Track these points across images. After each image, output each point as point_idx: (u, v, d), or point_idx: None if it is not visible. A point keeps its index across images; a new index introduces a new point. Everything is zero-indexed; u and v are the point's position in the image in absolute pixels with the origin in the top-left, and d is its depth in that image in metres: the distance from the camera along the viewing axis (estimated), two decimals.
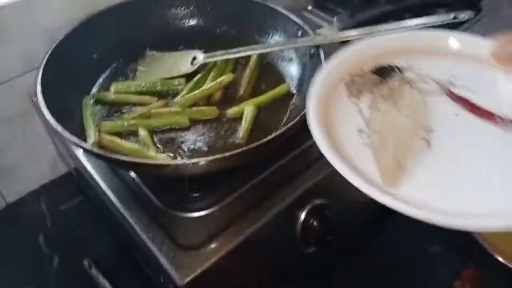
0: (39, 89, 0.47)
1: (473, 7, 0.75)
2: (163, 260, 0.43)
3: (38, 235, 0.64)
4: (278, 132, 0.44)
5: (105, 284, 0.57)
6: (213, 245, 0.44)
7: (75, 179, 0.68)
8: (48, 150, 0.68)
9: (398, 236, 0.63)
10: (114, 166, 0.49)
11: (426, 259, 0.61)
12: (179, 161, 0.46)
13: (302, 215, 0.49)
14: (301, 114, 0.45)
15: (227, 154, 0.41)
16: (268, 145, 0.43)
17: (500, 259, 0.55)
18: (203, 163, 0.41)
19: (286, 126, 0.44)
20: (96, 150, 0.42)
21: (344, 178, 0.32)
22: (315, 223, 0.49)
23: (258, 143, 0.42)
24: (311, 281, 0.58)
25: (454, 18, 0.51)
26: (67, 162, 0.68)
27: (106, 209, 0.51)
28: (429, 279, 0.59)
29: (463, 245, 0.60)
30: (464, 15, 0.50)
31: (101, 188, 0.50)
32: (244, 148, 0.41)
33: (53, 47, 0.53)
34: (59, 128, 0.43)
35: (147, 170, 0.43)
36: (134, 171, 0.49)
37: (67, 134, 0.43)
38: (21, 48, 0.58)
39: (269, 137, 0.43)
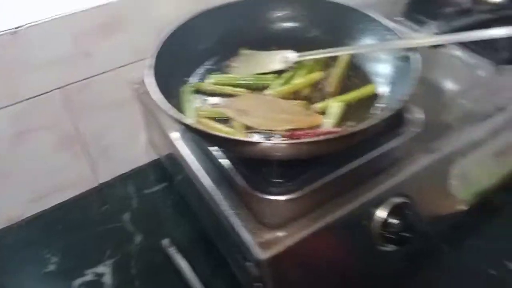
0: (151, 71, 0.52)
1: None
2: (246, 235, 0.45)
3: (123, 213, 0.68)
4: (366, 124, 0.44)
5: (182, 263, 0.59)
6: (294, 228, 0.45)
7: (163, 166, 0.72)
8: (140, 138, 0.74)
9: (479, 248, 0.60)
10: (209, 142, 0.53)
11: (504, 275, 0.58)
12: (270, 141, 0.48)
13: (382, 211, 0.49)
14: (392, 110, 0.46)
15: (314, 138, 0.43)
16: (354, 136, 0.44)
17: None
18: (291, 144, 0.43)
19: (375, 120, 0.45)
20: (197, 125, 0.45)
21: None
22: (394, 220, 0.49)
23: (343, 132, 0.44)
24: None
25: None
26: (158, 150, 0.72)
27: (194, 190, 0.54)
28: None
29: None
30: None
31: (193, 170, 0.54)
32: (329, 136, 0.43)
33: (164, 38, 0.57)
34: (166, 105, 0.47)
35: (240, 148, 0.46)
36: (225, 148, 0.52)
37: (172, 111, 0.46)
38: (131, 41, 0.64)
39: (355, 128, 0.44)
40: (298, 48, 0.62)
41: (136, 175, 0.75)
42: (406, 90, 0.48)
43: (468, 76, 0.65)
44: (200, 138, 0.52)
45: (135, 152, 0.75)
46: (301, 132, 0.51)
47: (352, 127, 0.52)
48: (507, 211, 0.65)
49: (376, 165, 0.51)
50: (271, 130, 0.52)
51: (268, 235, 0.45)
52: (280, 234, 0.45)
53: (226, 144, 0.46)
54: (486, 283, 0.57)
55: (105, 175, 0.74)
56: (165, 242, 0.62)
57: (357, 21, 0.62)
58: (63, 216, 0.69)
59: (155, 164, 0.76)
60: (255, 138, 0.50)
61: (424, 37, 0.55)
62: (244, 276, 0.50)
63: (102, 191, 0.73)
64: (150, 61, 0.53)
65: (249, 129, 0.52)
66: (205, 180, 0.52)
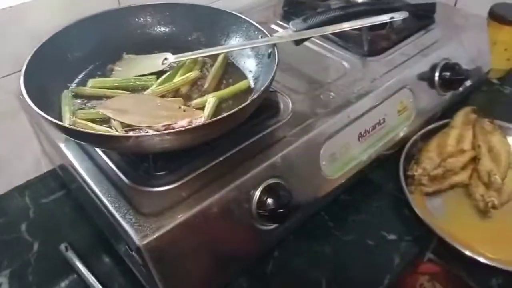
0: (22, 80, 0.53)
1: (425, 18, 0.84)
2: (125, 225, 0.48)
3: (20, 224, 0.68)
4: (232, 111, 0.49)
5: (79, 265, 0.61)
6: (171, 214, 0.49)
7: (59, 175, 0.73)
8: (33, 148, 0.74)
9: (360, 222, 0.68)
10: (83, 141, 0.55)
11: (380, 244, 0.65)
12: (141, 133, 0.51)
13: (257, 192, 0.54)
14: (252, 98, 0.51)
15: (184, 128, 0.47)
16: (218, 123, 0.49)
17: (458, 248, 0.60)
18: (163, 135, 0.46)
19: (238, 107, 0.50)
20: (68, 126, 0.47)
21: None
22: (269, 200, 0.54)
23: (211, 120, 0.49)
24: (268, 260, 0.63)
25: (392, 18, 0.58)
26: (51, 158, 0.73)
27: (83, 193, 0.56)
28: (381, 263, 0.63)
29: (420, 235, 0.65)
30: (399, 15, 0.57)
31: (80, 174, 0.56)
32: (198, 124, 0.47)
33: (37, 47, 0.58)
34: (39, 111, 0.49)
35: (111, 144, 0.49)
36: (100, 146, 0.55)
37: (45, 115, 0.48)
38: (11, 50, 0.64)
39: (222, 115, 0.49)
40: (181, 51, 0.65)
41: (32, 186, 0.75)
42: (265, 82, 0.54)
43: (336, 68, 0.73)
44: (74, 138, 0.54)
45: (30, 163, 0.75)
46: (175, 125, 0.54)
47: None
48: (385, 188, 0.73)
49: (250, 151, 0.57)
50: (150, 127, 0.55)
51: (147, 225, 0.48)
52: (158, 222, 0.48)
53: (97, 141, 0.49)
54: (365, 252, 0.64)
55: (0, 188, 0.73)
56: (62, 247, 0.64)
57: (231, 23, 0.67)
58: None
59: (52, 174, 0.76)
60: (122, 133, 0.53)
61: (284, 34, 0.61)
62: (133, 264, 0.54)
63: None
64: (23, 69, 0.54)
65: (128, 127, 0.55)
66: (91, 182, 0.54)
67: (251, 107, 0.52)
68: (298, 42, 0.63)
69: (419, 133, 0.76)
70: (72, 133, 0.49)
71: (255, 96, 0.52)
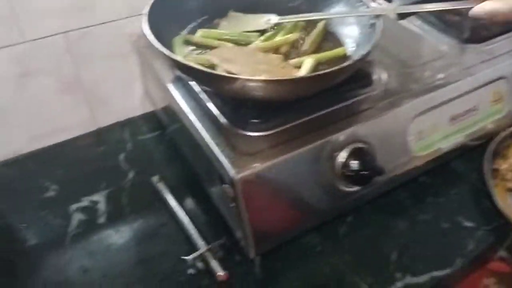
0: (145, 20, 0.59)
1: None
2: (223, 159, 0.53)
3: (119, 154, 0.77)
4: (330, 69, 0.52)
5: (168, 196, 0.67)
6: (263, 156, 0.53)
7: (157, 117, 0.80)
8: (137, 91, 0.82)
9: (437, 204, 0.68)
10: (195, 79, 0.60)
11: (455, 228, 0.65)
12: (248, 76, 0.55)
13: (343, 153, 0.57)
14: (352, 60, 0.54)
15: (284, 78, 0.51)
16: (315, 79, 0.52)
17: None
18: (265, 81, 0.51)
19: (337, 66, 0.52)
20: (183, 60, 0.53)
21: None
22: (353, 162, 0.57)
23: (308, 75, 0.52)
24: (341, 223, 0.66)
25: None
26: (153, 100, 0.80)
27: (184, 130, 0.62)
28: (454, 246, 0.63)
29: (498, 227, 0.64)
30: None
31: (184, 112, 0.61)
32: (297, 76, 0.51)
33: None
34: (158, 44, 0.55)
35: (218, 83, 0.54)
36: (207, 84, 0.60)
37: (163, 49, 0.54)
38: None
39: (320, 72, 0.52)
40: (283, 14, 0.69)
41: (132, 123, 0.83)
42: (366, 48, 0.56)
43: (433, 50, 0.73)
44: (187, 75, 0.59)
45: (131, 103, 0.83)
46: None
47: None
48: (467, 178, 0.72)
49: (340, 114, 0.59)
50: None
51: (242, 162, 0.52)
52: (252, 161, 0.53)
53: (209, 80, 0.54)
54: (439, 233, 0.65)
55: (103, 121, 0.81)
56: (155, 178, 0.70)
57: None
58: (62, 153, 0.77)
59: (150, 116, 0.84)
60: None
61: (389, 6, 0.62)
62: (222, 199, 0.59)
63: (99, 135, 0.81)
64: (146, 9, 0.61)
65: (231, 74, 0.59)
66: (194, 120, 0.60)
67: (349, 70, 0.54)
68: (402, 16, 0.64)
69: (510, 129, 0.74)
70: (187, 69, 0.54)
71: (355, 59, 0.54)
